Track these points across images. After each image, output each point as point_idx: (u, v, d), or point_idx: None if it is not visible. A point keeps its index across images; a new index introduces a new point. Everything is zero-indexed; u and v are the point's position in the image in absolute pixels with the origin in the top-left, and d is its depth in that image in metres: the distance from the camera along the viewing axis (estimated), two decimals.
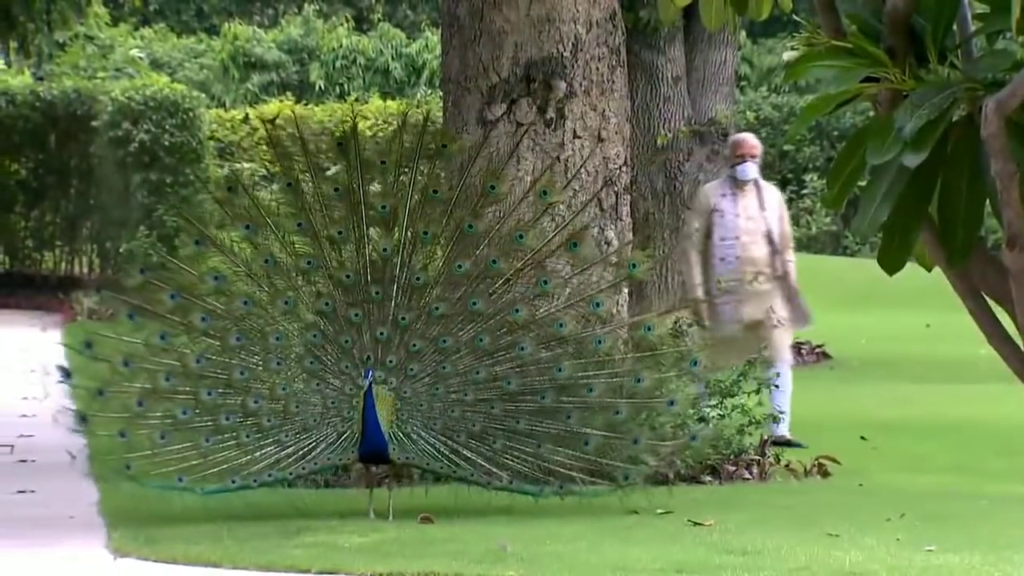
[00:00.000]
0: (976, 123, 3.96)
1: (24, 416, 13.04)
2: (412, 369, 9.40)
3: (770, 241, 12.19)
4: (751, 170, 12.24)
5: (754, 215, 12.19)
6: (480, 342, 9.43)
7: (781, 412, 11.63)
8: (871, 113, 4.41)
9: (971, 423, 13.57)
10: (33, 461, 11.05)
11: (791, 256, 12.34)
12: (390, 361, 9.41)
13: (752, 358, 11.42)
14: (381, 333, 9.42)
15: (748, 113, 29.76)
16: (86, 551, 8.37)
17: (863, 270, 28.23)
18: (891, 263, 4.25)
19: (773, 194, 12.57)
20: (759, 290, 12.10)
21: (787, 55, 4.53)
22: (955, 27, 4.23)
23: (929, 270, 4.37)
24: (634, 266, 10.02)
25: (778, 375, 11.71)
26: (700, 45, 19.29)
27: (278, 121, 31.99)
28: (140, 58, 33.07)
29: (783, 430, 11.72)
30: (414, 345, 9.40)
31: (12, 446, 11.75)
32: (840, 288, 26.22)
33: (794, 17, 4.85)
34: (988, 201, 4.15)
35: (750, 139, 12.68)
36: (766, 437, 10.88)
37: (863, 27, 4.24)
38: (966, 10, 4.24)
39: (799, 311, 12.28)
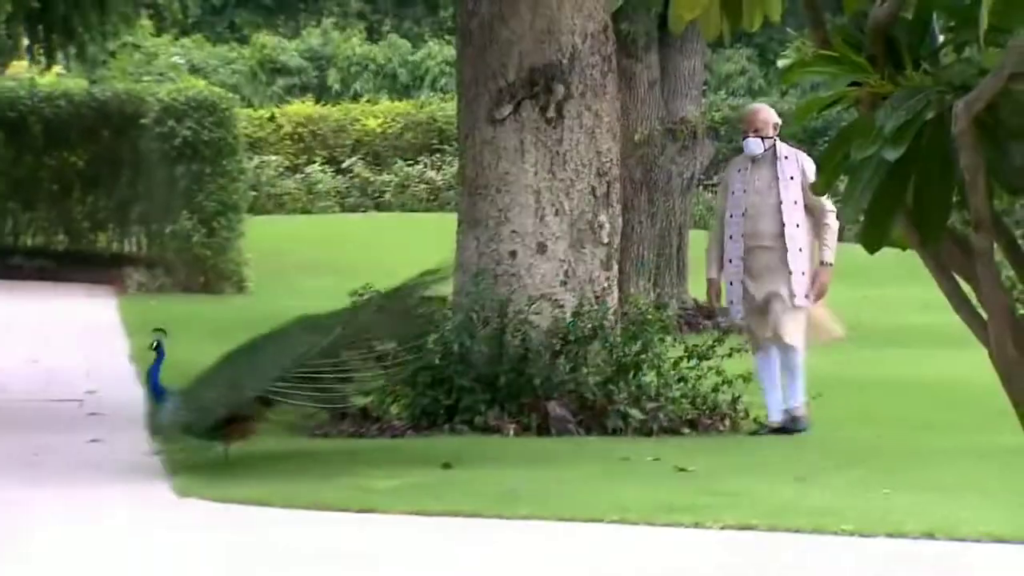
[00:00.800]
0: (947, 122, 4.00)
1: (89, 375, 13.01)
2: None
3: (787, 214, 10.49)
4: (755, 145, 10.71)
5: (762, 188, 10.60)
6: None
7: (793, 391, 10.56)
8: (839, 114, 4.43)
9: (912, 381, 13.62)
10: (102, 414, 11.06)
11: (829, 220, 10.47)
12: None
13: (772, 338, 10.48)
14: None
15: (710, 113, 29.82)
16: (151, 492, 8.38)
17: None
18: (872, 244, 4.29)
19: (794, 163, 10.60)
20: (767, 268, 10.53)
21: (781, 62, 4.57)
22: (927, 39, 4.27)
23: (904, 250, 4.41)
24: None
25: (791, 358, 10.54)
26: (672, 54, 19.33)
27: (298, 119, 32.14)
28: (180, 64, 33.02)
29: (795, 408, 10.56)
30: None
31: (82, 400, 11.74)
32: None
33: (745, 32, 4.89)
34: (957, 190, 4.18)
35: (752, 112, 11.06)
36: (738, 394, 10.87)
37: (847, 38, 4.28)
38: (936, 24, 4.28)
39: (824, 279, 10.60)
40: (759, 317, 10.56)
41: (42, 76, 27.33)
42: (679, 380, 10.88)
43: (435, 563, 6.81)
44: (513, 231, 10.92)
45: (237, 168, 22.54)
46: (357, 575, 6.52)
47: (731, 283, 10.62)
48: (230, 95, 23.54)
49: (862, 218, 4.24)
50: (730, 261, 10.59)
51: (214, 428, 9.26)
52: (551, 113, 10.95)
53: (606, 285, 11.08)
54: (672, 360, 10.89)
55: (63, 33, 23.45)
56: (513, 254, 10.91)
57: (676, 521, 7.38)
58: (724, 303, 10.74)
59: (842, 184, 4.46)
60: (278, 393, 9.43)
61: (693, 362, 10.88)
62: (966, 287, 4.25)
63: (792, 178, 10.55)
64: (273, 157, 30.99)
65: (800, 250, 10.51)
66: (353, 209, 30.55)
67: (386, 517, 7.65)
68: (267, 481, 8.52)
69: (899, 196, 4.11)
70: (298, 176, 30.95)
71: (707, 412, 10.76)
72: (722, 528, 7.25)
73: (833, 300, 21.58)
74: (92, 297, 20.97)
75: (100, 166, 24.41)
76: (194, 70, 32.63)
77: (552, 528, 7.41)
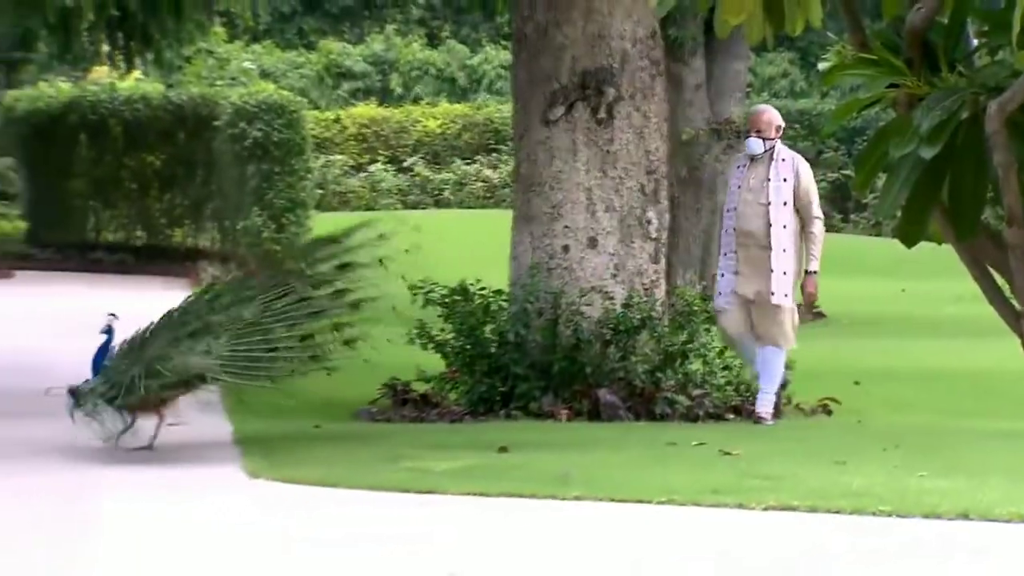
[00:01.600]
0: (981, 122, 3.97)
1: None
2: None
3: (775, 214, 10.23)
4: (756, 145, 10.44)
5: (756, 187, 10.33)
6: None
7: (765, 393, 10.35)
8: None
9: (945, 371, 13.53)
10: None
11: (815, 228, 10.32)
12: None
13: (748, 335, 10.29)
14: None
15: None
16: (224, 473, 8.43)
17: (848, 244, 28.15)
18: (909, 238, 4.26)
19: (789, 165, 10.40)
20: (754, 266, 10.24)
21: (822, 65, 4.54)
22: (962, 42, 4.23)
23: (940, 244, 4.38)
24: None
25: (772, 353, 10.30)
26: (718, 58, 19.28)
27: (362, 121, 32.19)
28: (251, 69, 33.11)
29: (761, 406, 10.36)
30: None
31: None
32: (829, 259, 26.10)
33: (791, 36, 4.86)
34: (990, 187, 4.15)
35: (757, 113, 10.73)
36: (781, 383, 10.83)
37: (886, 42, 4.25)
38: (970, 29, 4.24)
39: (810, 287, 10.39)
40: (742, 312, 10.34)
41: (122, 81, 27.44)
42: (724, 368, 10.85)
43: (492, 542, 6.80)
44: (566, 227, 10.91)
45: (304, 167, 22.60)
46: (418, 554, 6.52)
47: (722, 275, 10.42)
48: (298, 98, 23.60)
49: (899, 214, 4.20)
50: (724, 254, 10.42)
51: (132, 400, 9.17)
52: (602, 114, 10.94)
53: (654, 278, 11.06)
54: (717, 349, 10.87)
55: (141, 40, 23.54)
56: (566, 248, 10.90)
57: (721, 502, 7.34)
58: (716, 294, 10.59)
59: (880, 181, 4.43)
60: (210, 370, 9.28)
61: (734, 352, 10.84)
62: (1000, 280, 4.21)
63: (785, 180, 10.32)
64: (338, 157, 31.06)
65: (784, 251, 10.23)
66: (414, 206, 30.58)
67: (445, 498, 7.65)
68: (332, 463, 8.53)
69: (935, 193, 4.08)
70: (362, 175, 31.02)
71: (750, 399, 10.72)
72: (765, 509, 7.21)
73: (873, 293, 21.54)
74: (168, 289, 21.03)
75: (176, 166, 24.54)
76: (264, 75, 32.70)
77: (603, 509, 7.39)
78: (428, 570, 6.18)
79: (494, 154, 31.49)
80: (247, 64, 33.53)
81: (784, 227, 10.22)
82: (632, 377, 10.55)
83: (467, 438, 9.48)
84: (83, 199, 25.28)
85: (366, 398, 10.91)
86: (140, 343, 9.43)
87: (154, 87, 26.64)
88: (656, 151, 11.11)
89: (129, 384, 9.06)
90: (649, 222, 11.04)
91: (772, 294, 10.17)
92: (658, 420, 10.29)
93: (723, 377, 10.81)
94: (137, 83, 27.53)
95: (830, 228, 30.62)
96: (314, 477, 8.12)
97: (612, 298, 10.81)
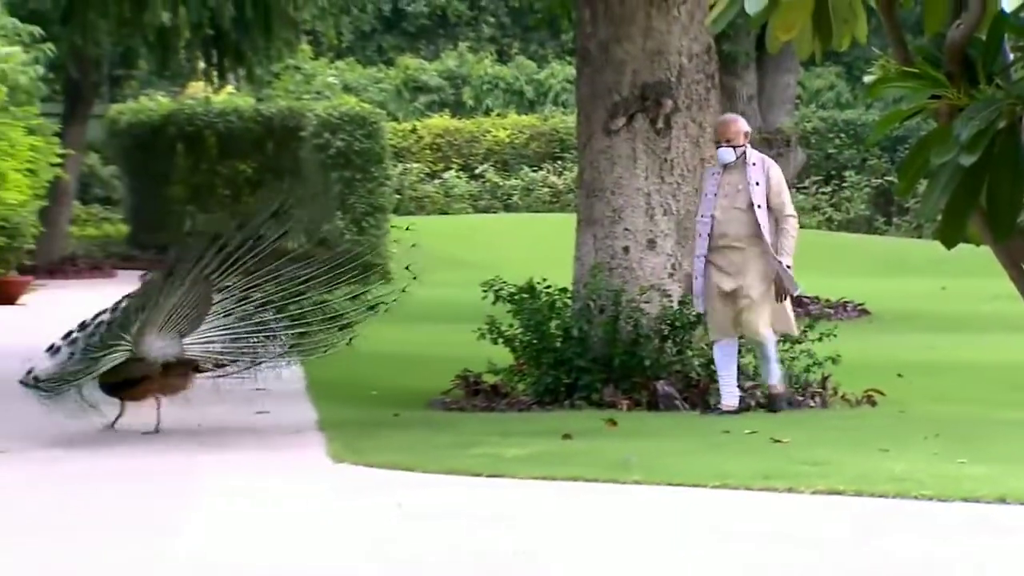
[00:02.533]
0: (1017, 131, 3.93)
1: None
2: None
3: (751, 217, 9.99)
4: (727, 154, 10.06)
5: (730, 192, 10.03)
6: None
7: (771, 381, 10.18)
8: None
9: (983, 364, 13.42)
10: (266, 389, 11.13)
11: (788, 225, 10.06)
12: None
13: (740, 332, 10.09)
14: None
15: (802, 124, 29.57)
16: (309, 458, 8.43)
17: (891, 246, 28.00)
18: (949, 240, 4.22)
19: (760, 168, 10.09)
20: (733, 265, 10.02)
21: (867, 78, 4.51)
22: (999, 56, 4.19)
23: (978, 246, 4.34)
24: None
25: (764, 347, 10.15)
26: (769, 71, 19.22)
27: (437, 131, 32.28)
28: (335, 84, 33.24)
29: (773, 387, 10.21)
30: None
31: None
32: (874, 260, 26.00)
33: (871, 48, 4.83)
34: None
35: (726, 124, 10.26)
36: (826, 374, 10.78)
37: (927, 56, 4.21)
38: (1006, 43, 4.20)
39: (788, 281, 10.04)
40: (726, 310, 10.07)
41: (216, 95, 27.63)
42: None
43: (558, 523, 6.80)
44: (626, 229, 10.89)
45: (383, 174, 22.69)
46: (489, 533, 6.52)
47: (697, 277, 10.13)
48: (378, 110, 23.69)
49: (940, 217, 4.17)
50: (697, 257, 10.12)
51: (113, 386, 9.18)
52: (660, 124, 10.90)
53: None
54: None
55: (234, 57, 23.72)
56: (626, 249, 10.87)
57: (772, 487, 7.31)
58: (694, 296, 10.26)
59: (921, 186, 4.39)
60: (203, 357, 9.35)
61: (786, 345, 10.77)
62: None
63: (757, 183, 10.04)
64: (415, 165, 31.14)
65: (762, 251, 10.01)
66: (484, 210, 30.64)
67: (514, 481, 7.65)
68: (410, 449, 8.53)
69: (974, 197, 4.04)
70: (436, 181, 31.09)
71: (799, 390, 10.66)
72: (813, 493, 7.18)
73: (915, 291, 21.44)
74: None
75: (265, 173, 24.70)
76: (347, 89, 32.81)
77: (661, 493, 7.37)
78: (498, 548, 6.18)
79: (559, 162, 31.48)
80: (331, 79, 33.66)
81: (762, 228, 10.00)
82: (688, 370, 10.51)
83: (534, 426, 9.47)
84: (180, 204, 25.49)
85: (441, 389, 10.93)
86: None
87: (245, 101, 26.81)
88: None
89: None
90: None
91: (752, 288, 9.98)
92: (712, 410, 10.25)
93: None
94: (230, 97, 27.71)
95: (875, 231, 30.65)
96: (393, 461, 8.13)
97: (669, 296, 10.78)
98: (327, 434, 9.13)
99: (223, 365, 9.59)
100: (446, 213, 30.36)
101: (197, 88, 29.19)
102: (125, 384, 9.34)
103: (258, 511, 7.00)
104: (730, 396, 10.07)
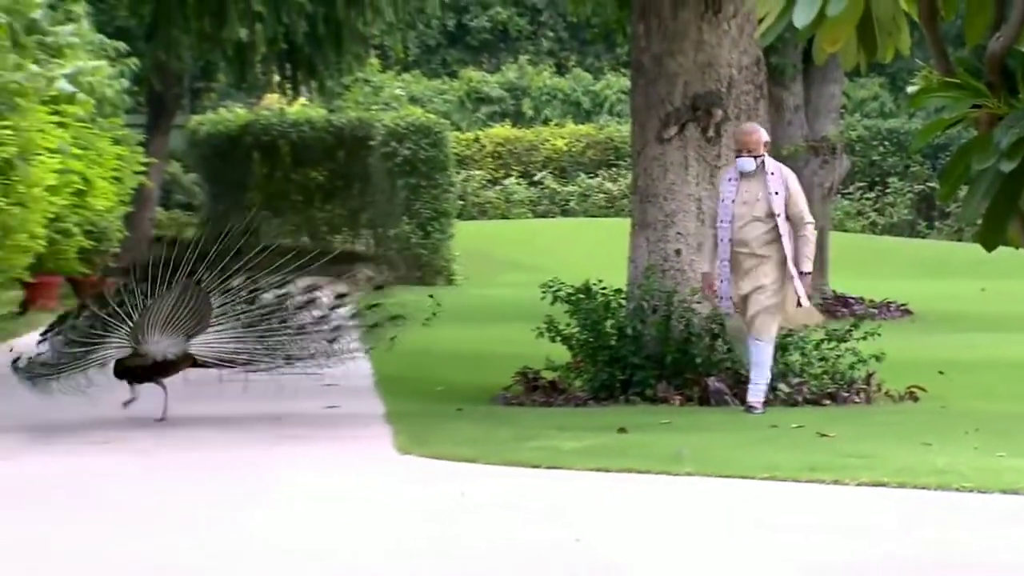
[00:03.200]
0: None
1: None
2: None
3: (769, 224, 9.82)
4: (748, 163, 9.88)
5: (749, 200, 9.84)
6: None
7: (755, 384, 9.91)
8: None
9: (1021, 361, 13.29)
10: (336, 385, 11.19)
11: (806, 232, 9.84)
12: None
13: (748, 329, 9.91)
14: None
15: (847, 133, 29.39)
16: (376, 450, 8.45)
17: (932, 248, 27.77)
18: (989, 243, 4.19)
19: (779, 178, 9.89)
20: (749, 270, 9.85)
21: (910, 88, 4.48)
22: None
23: (1018, 248, 4.29)
24: None
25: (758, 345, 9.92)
26: (815, 82, 19.10)
27: (498, 140, 32.29)
28: (402, 95, 33.33)
29: (753, 396, 9.94)
30: None
31: (320, 373, 11.85)
32: (916, 262, 25.82)
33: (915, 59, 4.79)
34: None
35: (747, 133, 10.06)
36: (871, 371, 10.71)
37: (968, 67, 4.17)
38: None
39: (800, 290, 9.82)
40: (742, 313, 9.97)
41: (289, 106, 27.76)
42: (820, 359, 10.73)
43: (613, 512, 6.79)
44: (678, 233, 10.85)
45: (448, 181, 22.74)
46: (548, 522, 6.51)
47: (721, 281, 9.95)
48: (442, 121, 23.75)
49: (980, 221, 4.13)
50: (721, 261, 9.93)
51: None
52: (711, 133, 10.86)
53: None
54: (814, 342, 10.75)
55: (307, 70, 23.82)
56: (678, 252, 10.84)
57: (818, 478, 7.27)
58: (719, 299, 10.08)
59: (962, 192, 4.35)
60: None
61: (832, 344, 10.72)
62: None
63: (777, 193, 9.83)
64: (477, 172, 31.20)
65: (780, 258, 9.82)
66: (543, 215, 30.65)
67: (572, 473, 7.64)
68: (472, 442, 8.53)
69: (1013, 202, 4.00)
70: (497, 187, 31.13)
71: (844, 386, 10.59)
72: (858, 485, 7.13)
73: (956, 292, 21.26)
74: (328, 288, 21.21)
75: (336, 180, 24.79)
76: (413, 100, 32.89)
77: (712, 484, 7.34)
78: (556, 536, 6.17)
79: (614, 169, 31.45)
80: (398, 91, 33.76)
81: (781, 235, 9.82)
82: (738, 367, 10.46)
83: (590, 420, 9.45)
84: (256, 209, 25.60)
85: (502, 385, 10.93)
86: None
87: (317, 112, 26.91)
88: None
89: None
90: None
91: (766, 294, 9.83)
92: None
93: (819, 367, 10.69)
94: (303, 108, 27.82)
95: (916, 234, 30.42)
96: (456, 453, 8.13)
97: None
98: (394, 427, 9.14)
99: (238, 364, 9.74)
100: (507, 218, 30.39)
101: (272, 100, 29.34)
102: (131, 371, 9.61)
103: (329, 500, 7.03)
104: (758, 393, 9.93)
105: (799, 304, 9.85)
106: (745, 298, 9.89)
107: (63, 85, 13.95)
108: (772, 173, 9.90)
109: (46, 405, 9.86)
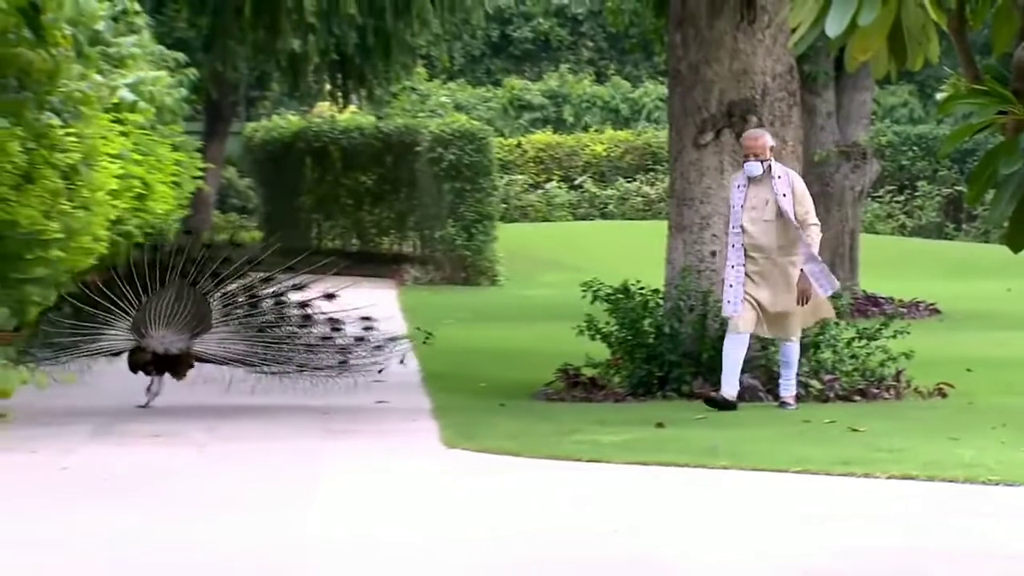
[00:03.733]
0: None
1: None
2: None
3: (780, 227, 9.68)
4: (755, 168, 9.75)
5: (759, 204, 9.69)
6: None
7: (787, 381, 9.83)
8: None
9: None
10: (385, 381, 11.20)
11: (812, 232, 9.69)
12: None
13: (772, 334, 9.79)
14: None
15: (877, 138, 29.28)
16: (424, 443, 8.46)
17: (960, 250, 27.59)
18: (1016, 244, 4.16)
19: (785, 181, 9.77)
20: (773, 279, 9.67)
21: (939, 95, 4.47)
22: None
23: None
24: None
25: (788, 347, 9.83)
26: (846, 89, 19.01)
27: (540, 146, 32.28)
28: (447, 103, 33.36)
29: (786, 391, 9.85)
30: None
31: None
32: (943, 263, 25.65)
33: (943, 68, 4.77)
34: None
35: (755, 138, 9.91)
36: (900, 369, 10.65)
37: (995, 75, 4.15)
38: None
39: (822, 281, 9.68)
40: (752, 315, 9.66)
41: (340, 114, 27.83)
42: (851, 357, 10.67)
43: (651, 504, 6.79)
44: (713, 235, 10.81)
45: (491, 185, 22.73)
46: (588, 513, 6.52)
47: (731, 285, 9.68)
48: (486, 127, 23.73)
49: (1007, 223, 4.10)
50: (732, 266, 9.69)
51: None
52: None
53: None
54: (846, 340, 10.70)
55: (357, 79, 23.90)
56: (713, 254, 10.80)
57: (850, 472, 7.25)
58: (725, 301, 9.78)
59: (989, 195, 4.32)
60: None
61: (863, 342, 10.66)
62: None
63: (784, 195, 9.68)
64: (519, 176, 31.19)
65: (792, 259, 9.68)
66: (583, 218, 30.63)
67: (611, 466, 7.64)
68: (515, 436, 8.53)
69: None
70: (539, 191, 31.11)
71: (875, 383, 10.53)
72: (888, 478, 7.10)
73: (983, 292, 21.11)
74: (377, 288, 21.27)
75: (384, 184, 24.82)
76: (458, 108, 32.91)
77: (746, 477, 7.33)
78: (596, 527, 6.18)
79: (651, 173, 31.40)
80: (444, 99, 33.80)
81: (790, 238, 9.68)
82: (771, 364, 10.42)
83: (629, 416, 9.44)
84: (308, 212, 25.71)
85: (543, 381, 10.93)
86: None
87: (367, 119, 26.97)
88: (792, 169, 10.97)
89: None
90: None
91: (785, 299, 9.67)
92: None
93: (851, 364, 10.63)
94: (353, 115, 27.89)
95: (944, 236, 30.24)
96: (500, 447, 8.14)
97: None
98: (440, 422, 9.15)
99: (246, 365, 9.91)
100: (548, 220, 30.38)
101: (323, 108, 29.43)
102: (139, 365, 9.84)
103: (378, 491, 7.05)
104: (731, 386, 9.66)
105: (803, 302, 9.69)
106: (763, 304, 9.68)
107: (125, 94, 14.03)
108: (779, 177, 9.77)
109: (100, 402, 9.93)
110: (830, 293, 9.85)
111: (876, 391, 10.46)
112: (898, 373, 10.65)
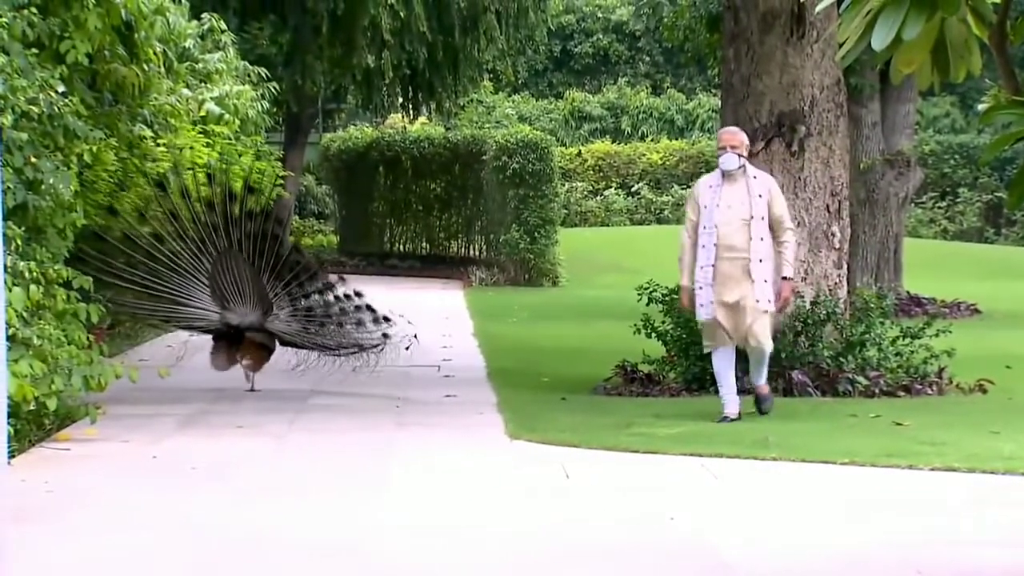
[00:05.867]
0: None
1: (444, 347, 13.22)
2: None
3: (754, 228, 8.84)
4: (731, 160, 8.89)
5: (734, 204, 8.84)
6: None
7: (759, 382, 9.10)
8: None
9: None
10: (453, 376, 11.26)
11: (788, 238, 8.91)
12: None
13: (737, 341, 8.91)
14: None
15: (920, 147, 29.03)
16: (489, 436, 8.48)
17: (999, 253, 27.27)
18: None
19: (762, 182, 8.98)
20: (736, 276, 8.81)
21: (980, 106, 4.41)
22: None
23: None
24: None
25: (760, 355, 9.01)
26: (891, 100, 18.85)
27: (599, 154, 32.24)
28: (512, 114, 33.39)
29: (759, 387, 9.16)
30: None
31: (439, 366, 11.89)
32: (983, 265, 25.37)
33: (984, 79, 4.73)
34: None
35: (732, 133, 9.13)
36: (943, 366, 10.55)
37: None
38: None
39: (769, 291, 8.85)
40: (729, 320, 8.85)
41: (411, 125, 27.94)
42: (896, 354, 10.59)
43: (705, 493, 6.76)
44: (761, 238, 10.73)
45: (553, 192, 22.71)
46: (645, 502, 6.50)
47: (700, 287, 8.86)
48: (548, 137, 23.72)
49: None
50: (701, 268, 8.85)
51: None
52: (794, 148, 10.76)
53: (837, 280, 10.85)
54: (890, 338, 10.62)
55: (427, 92, 23.95)
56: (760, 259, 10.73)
57: (894, 464, 7.19)
58: (696, 305, 8.95)
59: None
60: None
61: (907, 340, 10.58)
62: None
63: (760, 196, 8.87)
64: (580, 183, 31.16)
65: (761, 261, 8.81)
66: (640, 223, 30.55)
67: (667, 457, 7.62)
68: (576, 428, 8.53)
69: None
70: (598, 198, 31.07)
71: (918, 379, 10.44)
72: (931, 470, 7.04)
73: (1021, 293, 20.86)
74: (446, 289, 21.37)
75: (452, 191, 24.88)
76: (522, 119, 32.94)
77: (795, 468, 7.29)
78: (653, 515, 6.17)
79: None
80: (508, 110, 33.83)
81: (762, 239, 8.82)
82: (819, 361, 10.36)
83: (684, 409, 9.41)
84: (381, 218, 25.83)
85: (602, 376, 10.92)
86: None
87: (436, 129, 27.06)
88: (839, 177, 10.90)
89: None
90: (833, 235, 10.84)
91: (757, 301, 8.78)
92: (841, 397, 10.10)
93: (895, 362, 10.55)
94: (423, 126, 27.99)
95: (985, 240, 29.93)
96: (561, 439, 8.14)
97: (802, 297, 10.64)
98: (505, 415, 9.16)
99: (307, 345, 10.32)
100: (606, 225, 30.33)
101: (395, 119, 29.56)
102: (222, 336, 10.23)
103: (448, 480, 7.07)
104: (732, 404, 8.96)
105: (780, 309, 8.95)
106: (733, 306, 8.83)
107: (211, 107, 14.15)
108: (755, 177, 9.00)
109: (186, 396, 10.02)
110: (783, 308, 9.10)
111: (919, 387, 10.36)
112: (940, 370, 10.55)
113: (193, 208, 10.14)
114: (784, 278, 8.90)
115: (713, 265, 8.85)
